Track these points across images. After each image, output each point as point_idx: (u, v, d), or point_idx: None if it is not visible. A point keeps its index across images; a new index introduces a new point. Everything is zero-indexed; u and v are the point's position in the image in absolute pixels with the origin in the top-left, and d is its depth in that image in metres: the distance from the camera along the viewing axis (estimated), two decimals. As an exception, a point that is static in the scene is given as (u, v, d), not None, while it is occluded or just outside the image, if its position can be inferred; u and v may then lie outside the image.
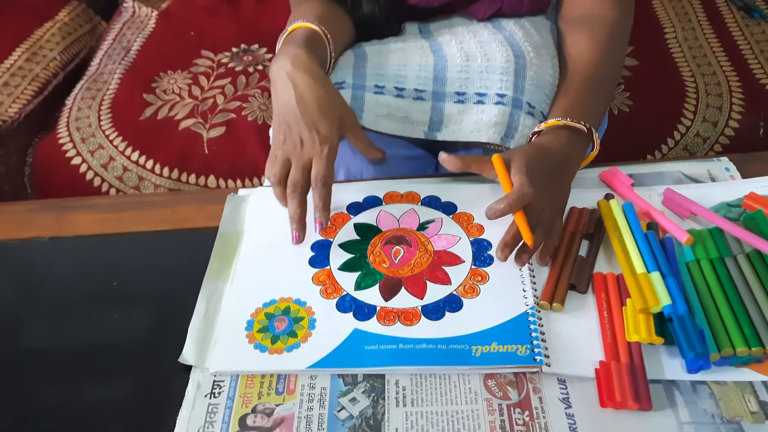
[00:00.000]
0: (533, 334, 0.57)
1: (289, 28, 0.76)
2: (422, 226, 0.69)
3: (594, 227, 0.67)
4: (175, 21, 1.36)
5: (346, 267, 0.65)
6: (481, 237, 0.67)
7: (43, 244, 0.72)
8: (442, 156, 0.69)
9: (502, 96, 0.75)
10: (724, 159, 0.75)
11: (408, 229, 0.69)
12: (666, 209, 0.69)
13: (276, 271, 0.65)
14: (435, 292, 0.62)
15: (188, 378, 0.57)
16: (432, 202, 0.71)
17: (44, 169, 1.08)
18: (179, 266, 0.69)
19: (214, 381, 0.57)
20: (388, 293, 0.62)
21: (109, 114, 1.13)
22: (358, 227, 0.69)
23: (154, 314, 0.65)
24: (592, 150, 0.72)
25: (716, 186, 0.71)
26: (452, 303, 0.61)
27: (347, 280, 0.63)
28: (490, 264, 0.64)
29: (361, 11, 0.83)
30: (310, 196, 0.68)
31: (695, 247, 0.63)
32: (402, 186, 0.73)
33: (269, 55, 1.24)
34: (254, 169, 1.05)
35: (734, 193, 0.69)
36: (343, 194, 0.72)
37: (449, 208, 0.70)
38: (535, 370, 0.55)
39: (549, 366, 0.55)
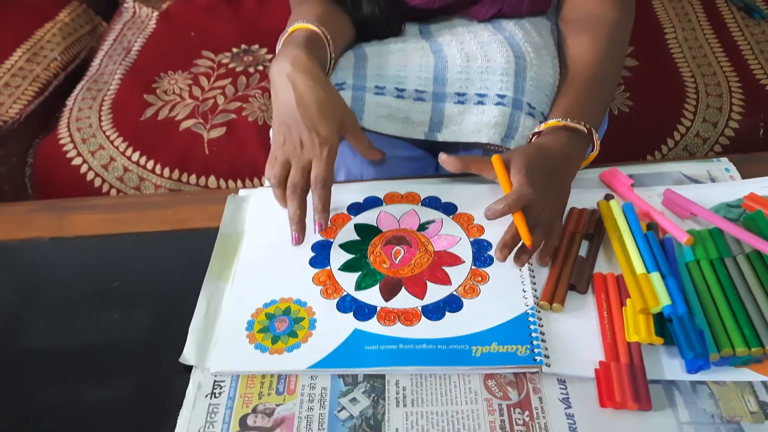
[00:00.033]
0: (533, 335, 0.57)
1: (289, 29, 0.76)
2: (422, 227, 0.69)
3: (594, 228, 0.67)
4: (176, 21, 1.36)
5: (346, 267, 0.65)
6: (481, 237, 0.67)
7: (44, 245, 0.72)
8: (442, 157, 0.69)
9: (502, 97, 0.75)
10: (724, 159, 0.75)
11: (408, 229, 0.69)
12: (666, 210, 0.69)
13: (276, 272, 0.65)
14: (435, 293, 0.62)
15: (189, 378, 0.57)
16: (432, 202, 0.71)
17: (45, 170, 1.08)
18: (180, 266, 0.69)
19: (215, 381, 0.57)
20: (389, 293, 0.62)
21: (110, 114, 1.13)
22: (358, 228, 0.69)
23: (155, 314, 0.65)
24: (592, 150, 0.72)
25: (716, 186, 0.72)
26: (452, 303, 0.61)
27: (347, 281, 0.64)
28: (490, 264, 0.64)
29: (361, 12, 0.83)
30: (309, 198, 0.68)
31: (695, 247, 0.63)
32: (402, 186, 0.73)
33: (270, 56, 1.24)
34: (255, 169, 1.05)
35: (734, 194, 0.69)
36: (344, 195, 0.73)
37: (449, 209, 0.70)
38: (535, 370, 0.55)
39: (549, 366, 0.55)
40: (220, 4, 1.39)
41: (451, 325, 0.59)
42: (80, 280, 0.69)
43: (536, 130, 0.71)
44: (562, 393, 0.54)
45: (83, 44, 1.34)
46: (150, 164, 1.06)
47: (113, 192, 1.06)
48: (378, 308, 0.61)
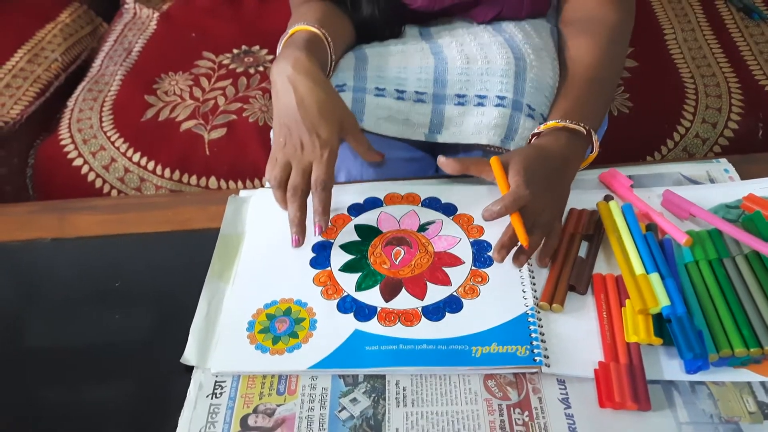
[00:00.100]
0: (533, 335, 0.57)
1: (290, 31, 0.77)
2: (422, 228, 0.69)
3: (593, 228, 0.67)
4: (176, 22, 1.36)
5: (346, 268, 0.65)
6: (481, 238, 0.67)
7: (45, 246, 0.72)
8: (441, 159, 0.70)
9: (502, 98, 0.75)
10: (723, 160, 0.75)
11: (408, 230, 0.69)
12: (665, 210, 0.69)
13: (277, 272, 0.65)
14: (435, 293, 0.62)
15: (190, 378, 0.57)
16: (432, 203, 0.72)
17: (46, 171, 1.09)
18: (180, 267, 0.69)
19: (216, 381, 0.57)
20: (389, 294, 0.62)
21: (111, 115, 1.13)
22: (358, 228, 0.69)
23: (156, 315, 0.65)
24: (592, 152, 0.72)
25: (715, 187, 0.72)
26: (452, 304, 0.61)
27: (348, 281, 0.64)
28: (490, 265, 0.64)
29: (361, 14, 0.83)
30: (310, 199, 0.68)
31: (694, 248, 0.63)
32: (402, 187, 0.74)
33: (270, 57, 1.24)
34: (255, 170, 1.05)
35: (733, 195, 0.70)
36: (344, 196, 0.73)
37: (449, 210, 0.71)
38: (534, 370, 0.56)
39: (548, 366, 0.55)
40: (220, 5, 1.39)
41: (451, 326, 0.59)
42: (81, 280, 0.69)
43: (535, 131, 0.71)
44: (561, 393, 0.54)
45: (84, 45, 1.34)
46: (151, 165, 1.06)
47: (114, 193, 1.06)
48: (378, 309, 0.61)
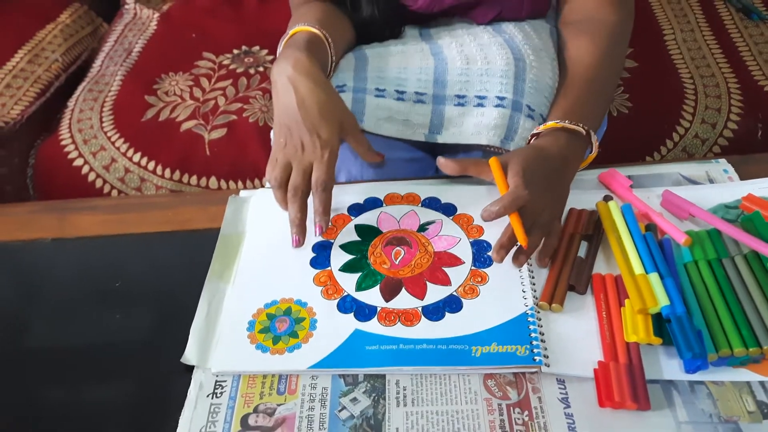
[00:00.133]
0: (532, 335, 0.58)
1: (290, 32, 0.77)
2: (422, 228, 0.69)
3: (593, 228, 0.68)
4: (177, 23, 1.36)
5: (346, 268, 0.65)
6: (480, 238, 0.67)
7: (46, 246, 0.72)
8: (440, 160, 0.70)
9: (501, 99, 0.75)
10: (723, 161, 0.76)
11: (408, 230, 0.69)
12: (664, 211, 0.69)
13: (277, 272, 0.66)
14: (435, 293, 0.62)
15: (190, 378, 0.57)
16: (432, 203, 0.72)
17: (46, 171, 1.09)
18: (181, 267, 0.70)
19: (216, 381, 0.57)
20: (389, 294, 0.62)
21: (111, 115, 1.13)
22: (358, 228, 0.70)
23: (156, 315, 0.65)
24: (591, 152, 0.72)
25: (714, 188, 0.72)
26: (452, 304, 0.61)
27: (348, 281, 0.64)
28: (489, 265, 0.65)
29: (361, 14, 0.83)
30: (310, 199, 0.69)
31: (693, 248, 0.63)
32: (402, 187, 0.74)
33: (270, 57, 1.24)
34: (255, 170, 1.06)
35: (732, 195, 0.70)
36: (344, 196, 0.73)
37: (449, 210, 0.71)
38: (534, 370, 0.56)
39: (548, 366, 0.56)
40: (220, 5, 1.39)
41: (451, 326, 0.59)
42: (82, 280, 0.69)
43: (535, 131, 0.72)
44: (561, 393, 0.55)
45: (84, 45, 1.34)
46: (151, 165, 1.06)
47: (114, 193, 1.06)
48: (378, 309, 0.61)
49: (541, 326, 0.59)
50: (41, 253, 0.72)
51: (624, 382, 0.53)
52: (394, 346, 0.58)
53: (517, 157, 0.67)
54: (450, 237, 0.68)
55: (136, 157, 1.07)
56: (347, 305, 0.62)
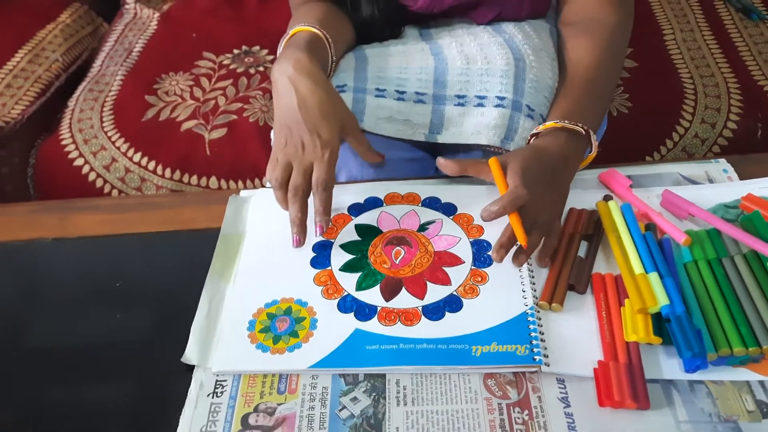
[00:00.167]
0: (532, 334, 0.58)
1: (290, 32, 0.77)
2: (423, 227, 0.69)
3: (593, 228, 0.68)
4: (177, 23, 1.36)
5: (347, 267, 0.65)
6: (481, 238, 0.67)
7: (47, 245, 0.72)
8: (440, 161, 0.70)
9: (501, 99, 0.75)
10: (722, 161, 0.76)
11: (408, 230, 0.69)
12: (664, 210, 0.69)
13: (277, 272, 0.66)
14: (435, 293, 0.62)
15: (191, 377, 0.57)
16: (432, 203, 0.72)
17: (47, 171, 1.09)
18: (181, 267, 0.70)
19: (217, 380, 0.57)
20: (389, 294, 0.63)
21: (111, 115, 1.13)
22: (359, 228, 0.70)
23: (157, 314, 0.65)
24: (591, 152, 0.72)
25: (714, 187, 0.72)
26: (452, 303, 0.61)
27: (348, 281, 0.64)
28: (489, 264, 0.65)
29: (361, 14, 0.84)
30: (310, 199, 0.69)
31: (693, 248, 0.64)
32: (402, 187, 0.74)
33: (270, 57, 1.24)
34: (256, 170, 1.06)
35: (732, 195, 0.70)
36: (344, 195, 0.73)
37: (449, 209, 0.71)
38: (534, 369, 0.56)
39: (548, 366, 0.56)
40: (221, 5, 1.39)
41: (451, 325, 0.59)
42: (83, 280, 0.69)
43: (534, 131, 0.72)
44: (561, 392, 0.55)
45: (85, 45, 1.35)
46: (151, 165, 1.06)
47: (114, 192, 1.06)
48: (378, 308, 0.61)
49: (541, 326, 0.59)
50: (42, 253, 0.72)
51: (624, 381, 0.53)
52: (394, 346, 0.58)
53: (517, 157, 0.67)
54: (450, 237, 0.68)
55: (137, 157, 1.07)
56: (347, 305, 0.62)
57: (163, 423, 0.55)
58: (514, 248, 0.64)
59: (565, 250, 0.65)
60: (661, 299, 0.58)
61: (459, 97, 0.77)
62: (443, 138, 0.76)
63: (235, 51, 1.26)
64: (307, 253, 0.67)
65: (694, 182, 0.73)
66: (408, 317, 0.60)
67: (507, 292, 0.62)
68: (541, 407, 0.54)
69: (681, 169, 0.75)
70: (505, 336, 0.58)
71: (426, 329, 0.59)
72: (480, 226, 0.69)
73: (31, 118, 1.13)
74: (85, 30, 1.37)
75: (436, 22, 0.88)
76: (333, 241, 0.68)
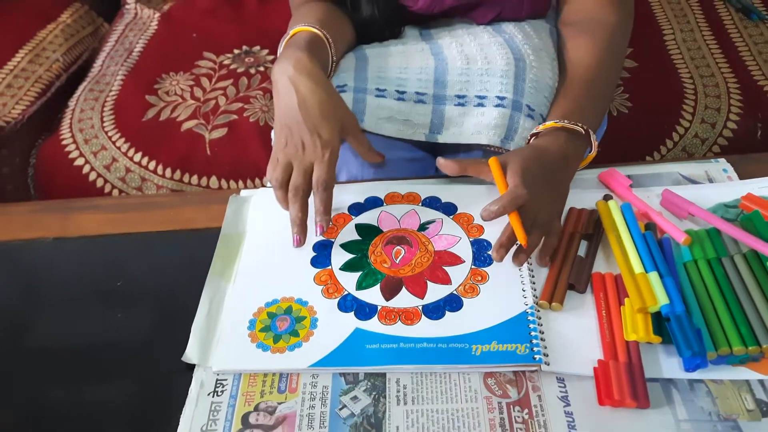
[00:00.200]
0: (532, 333, 0.58)
1: (291, 32, 0.77)
2: (423, 227, 0.69)
3: (593, 228, 0.68)
4: (177, 23, 1.37)
5: (347, 267, 0.66)
6: (481, 237, 0.68)
7: (47, 245, 0.72)
8: (440, 161, 0.70)
9: (502, 99, 0.75)
10: (722, 160, 0.76)
11: (409, 229, 0.69)
12: (664, 210, 0.69)
13: (278, 271, 0.66)
14: (435, 292, 0.62)
15: (191, 376, 0.58)
16: (432, 202, 0.72)
17: (47, 171, 1.09)
18: (182, 266, 0.70)
19: (217, 379, 0.57)
20: (389, 293, 0.63)
21: (112, 115, 1.13)
22: (359, 228, 0.70)
23: (158, 314, 0.65)
24: (590, 152, 0.72)
25: (714, 187, 0.72)
26: (452, 302, 0.61)
27: (348, 280, 0.64)
28: (490, 264, 0.65)
29: (361, 14, 0.84)
30: (311, 199, 0.69)
31: (693, 247, 0.64)
32: (403, 187, 0.74)
33: (271, 57, 1.24)
34: (256, 170, 1.06)
35: (731, 194, 0.70)
36: (345, 195, 0.73)
37: (449, 209, 0.71)
38: (534, 368, 0.56)
39: (548, 365, 0.56)
40: (221, 5, 1.40)
41: (451, 324, 0.59)
42: (83, 279, 0.69)
43: (534, 131, 0.72)
44: (561, 391, 0.55)
45: (85, 45, 1.35)
46: (152, 165, 1.07)
47: (115, 192, 1.06)
48: (379, 307, 0.61)
49: (541, 325, 0.59)
50: (42, 253, 0.72)
51: (623, 380, 0.54)
52: (394, 345, 0.58)
53: (516, 156, 0.67)
54: (450, 236, 0.68)
55: (137, 157, 1.07)
56: (348, 304, 0.62)
57: (164, 422, 0.55)
58: (514, 248, 0.64)
59: (565, 250, 0.65)
60: (660, 298, 0.58)
61: (459, 97, 0.77)
62: (443, 138, 0.76)
63: (236, 51, 1.26)
64: (308, 252, 0.67)
65: (693, 182, 0.73)
66: (408, 316, 0.60)
67: (507, 291, 0.62)
68: (541, 406, 0.54)
69: (681, 168, 0.75)
70: (505, 335, 0.58)
71: (426, 328, 0.59)
72: (480, 225, 0.69)
73: (32, 118, 1.13)
74: (86, 30, 1.37)
75: (436, 22, 0.88)
76: (333, 240, 0.68)
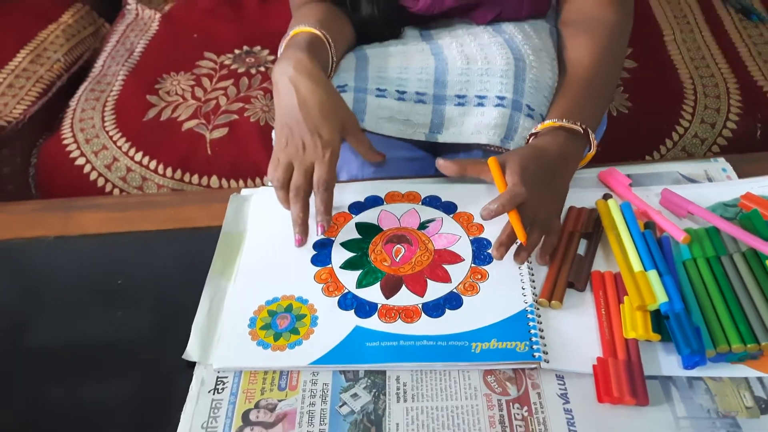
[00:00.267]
0: (532, 331, 0.58)
1: (291, 33, 0.77)
2: (423, 225, 0.69)
3: (592, 226, 0.68)
4: (178, 23, 1.37)
5: (347, 265, 0.66)
6: (480, 236, 0.68)
7: (49, 244, 0.72)
8: (439, 162, 0.70)
9: (501, 98, 0.75)
10: (721, 160, 0.76)
11: (409, 228, 0.69)
12: (663, 209, 0.70)
13: (278, 270, 0.66)
14: (435, 290, 0.63)
15: (192, 374, 0.58)
16: (432, 201, 0.72)
17: (48, 170, 1.09)
18: (183, 265, 0.70)
19: (218, 377, 0.57)
20: (389, 291, 0.63)
21: (113, 115, 1.14)
22: (359, 226, 0.70)
23: (159, 312, 0.65)
24: (590, 150, 0.73)
25: (713, 186, 0.72)
26: (452, 301, 0.62)
27: (349, 279, 0.64)
28: (489, 262, 0.65)
29: (361, 14, 0.84)
30: (312, 198, 0.69)
31: (692, 245, 0.64)
32: (403, 186, 0.74)
33: (271, 57, 1.25)
34: (256, 169, 1.06)
35: (731, 193, 0.70)
36: (345, 194, 0.73)
37: (449, 208, 0.71)
38: (533, 366, 0.56)
39: (547, 362, 0.56)
40: (222, 5, 1.40)
41: (450, 322, 0.59)
42: (84, 278, 0.69)
43: (533, 130, 0.72)
44: (560, 388, 0.55)
45: (86, 45, 1.35)
46: (153, 164, 1.07)
47: (116, 192, 1.07)
48: (379, 306, 0.62)
49: (541, 323, 0.59)
50: (44, 251, 0.72)
51: (623, 377, 0.54)
52: (394, 343, 0.58)
53: (516, 156, 0.67)
54: (450, 235, 0.68)
55: (138, 157, 1.07)
56: (348, 302, 0.62)
57: (165, 419, 0.55)
58: (515, 246, 0.65)
59: (564, 248, 0.65)
60: (660, 296, 0.58)
61: (459, 96, 0.77)
62: (443, 137, 0.76)
63: (236, 51, 1.27)
64: (308, 250, 0.68)
65: (693, 181, 0.74)
66: (408, 314, 0.61)
67: (507, 289, 0.62)
68: (541, 403, 0.54)
69: (680, 168, 0.75)
70: (505, 333, 0.58)
71: (426, 326, 0.59)
72: (480, 224, 0.69)
73: (33, 118, 1.13)
74: (87, 30, 1.38)
75: (436, 22, 0.88)
76: (334, 239, 0.69)
